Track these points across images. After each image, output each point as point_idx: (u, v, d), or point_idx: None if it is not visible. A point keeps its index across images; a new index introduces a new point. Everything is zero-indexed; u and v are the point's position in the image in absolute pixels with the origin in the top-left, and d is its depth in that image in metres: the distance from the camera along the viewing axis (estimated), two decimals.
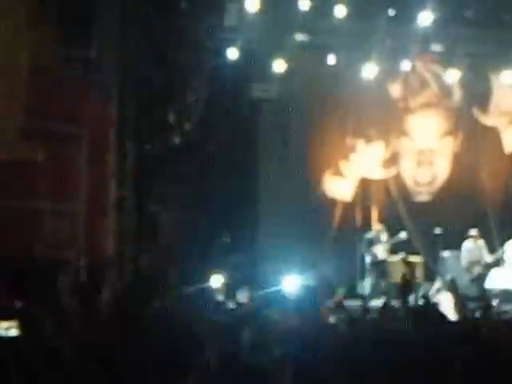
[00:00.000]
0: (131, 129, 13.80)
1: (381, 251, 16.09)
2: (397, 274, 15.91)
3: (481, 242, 16.32)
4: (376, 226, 16.57)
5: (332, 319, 9.79)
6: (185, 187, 14.90)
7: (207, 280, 14.35)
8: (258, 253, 16.32)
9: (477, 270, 16.06)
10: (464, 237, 16.39)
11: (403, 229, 16.53)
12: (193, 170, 15.17)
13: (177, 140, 14.77)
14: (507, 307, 14.06)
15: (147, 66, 13.64)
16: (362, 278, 16.50)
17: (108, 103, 13.06)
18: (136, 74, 13.61)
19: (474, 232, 16.32)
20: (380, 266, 16.12)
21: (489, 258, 16.13)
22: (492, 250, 16.36)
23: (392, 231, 16.35)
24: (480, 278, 15.92)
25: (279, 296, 11.77)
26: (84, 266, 12.63)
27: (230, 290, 14.54)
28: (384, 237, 16.20)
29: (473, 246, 16.29)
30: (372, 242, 16.17)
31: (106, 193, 13.17)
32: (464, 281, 15.91)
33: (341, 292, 15.12)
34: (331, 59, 16.10)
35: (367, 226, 16.77)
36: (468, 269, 16.14)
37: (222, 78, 15.37)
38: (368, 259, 16.23)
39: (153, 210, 14.45)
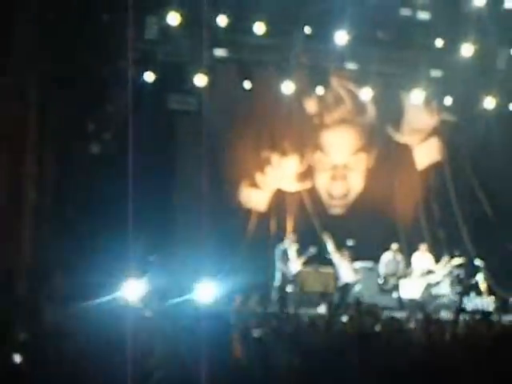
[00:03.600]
0: (50, 134, 13.88)
1: (293, 262, 16.40)
2: (309, 285, 16.37)
3: (399, 257, 16.91)
4: (289, 236, 16.92)
5: None
6: (103, 195, 15.00)
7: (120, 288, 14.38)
8: (174, 260, 16.54)
9: (392, 281, 16.67)
10: (376, 249, 16.95)
11: (316, 240, 16.98)
12: (112, 179, 15.27)
13: (95, 149, 14.92)
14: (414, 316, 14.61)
15: (67, 74, 13.78)
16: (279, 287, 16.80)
17: (27, 107, 13.10)
18: (55, 80, 13.73)
19: (394, 246, 16.93)
20: (293, 277, 16.44)
21: (404, 273, 16.71)
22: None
23: (305, 242, 16.70)
24: (394, 290, 16.57)
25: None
26: None
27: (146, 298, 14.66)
28: (295, 248, 16.45)
29: (391, 259, 16.87)
30: (286, 253, 16.51)
31: (23, 197, 13.16)
32: (373, 291, 16.53)
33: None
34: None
35: (281, 236, 17.15)
36: (385, 280, 16.74)
37: (142, 90, 15.59)
38: (282, 269, 16.56)
39: (71, 216, 14.50)
